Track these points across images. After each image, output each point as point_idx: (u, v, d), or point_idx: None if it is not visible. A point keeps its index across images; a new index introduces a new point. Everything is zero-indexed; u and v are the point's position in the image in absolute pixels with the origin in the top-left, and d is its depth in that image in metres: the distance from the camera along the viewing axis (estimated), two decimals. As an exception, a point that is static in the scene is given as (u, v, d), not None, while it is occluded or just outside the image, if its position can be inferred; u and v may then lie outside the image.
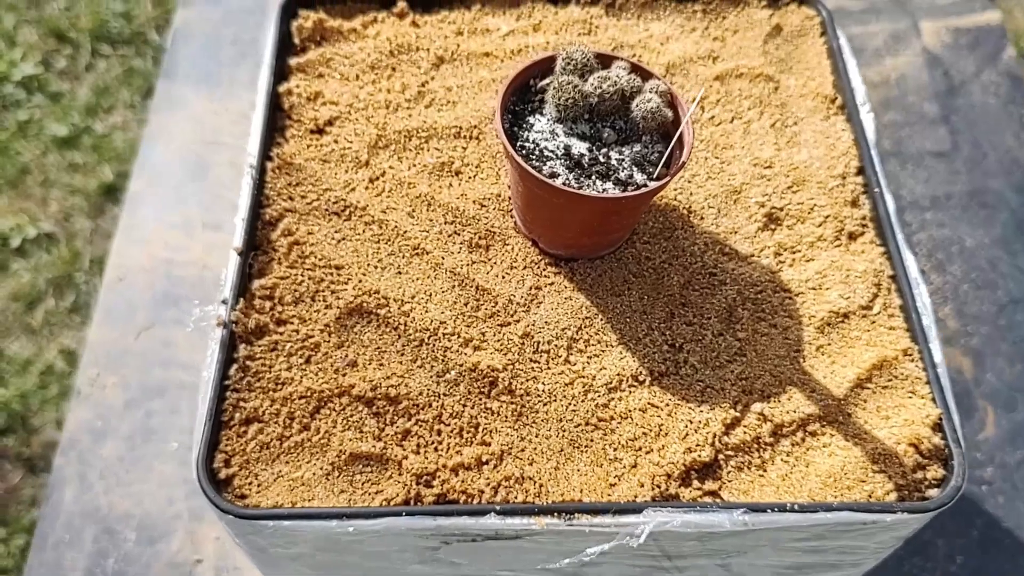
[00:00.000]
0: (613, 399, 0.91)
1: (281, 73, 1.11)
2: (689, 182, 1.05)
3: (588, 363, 0.92)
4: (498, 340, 0.93)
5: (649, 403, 0.91)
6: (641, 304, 0.97)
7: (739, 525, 0.83)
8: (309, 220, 1.00)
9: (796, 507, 0.82)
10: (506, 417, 0.89)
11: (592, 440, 0.89)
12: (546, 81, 0.94)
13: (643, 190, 0.87)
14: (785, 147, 1.09)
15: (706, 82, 1.14)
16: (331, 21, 1.16)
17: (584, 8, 1.20)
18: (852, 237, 1.03)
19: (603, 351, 0.93)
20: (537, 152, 0.90)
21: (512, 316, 0.95)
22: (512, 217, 1.01)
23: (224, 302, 0.93)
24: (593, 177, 0.89)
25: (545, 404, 0.90)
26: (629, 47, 1.16)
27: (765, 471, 0.89)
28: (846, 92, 1.13)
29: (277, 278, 0.96)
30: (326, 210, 1.01)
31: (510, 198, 1.02)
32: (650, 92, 0.92)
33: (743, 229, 1.03)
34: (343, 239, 0.99)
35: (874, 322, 0.97)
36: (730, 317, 0.97)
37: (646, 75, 0.95)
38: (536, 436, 0.89)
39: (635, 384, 0.92)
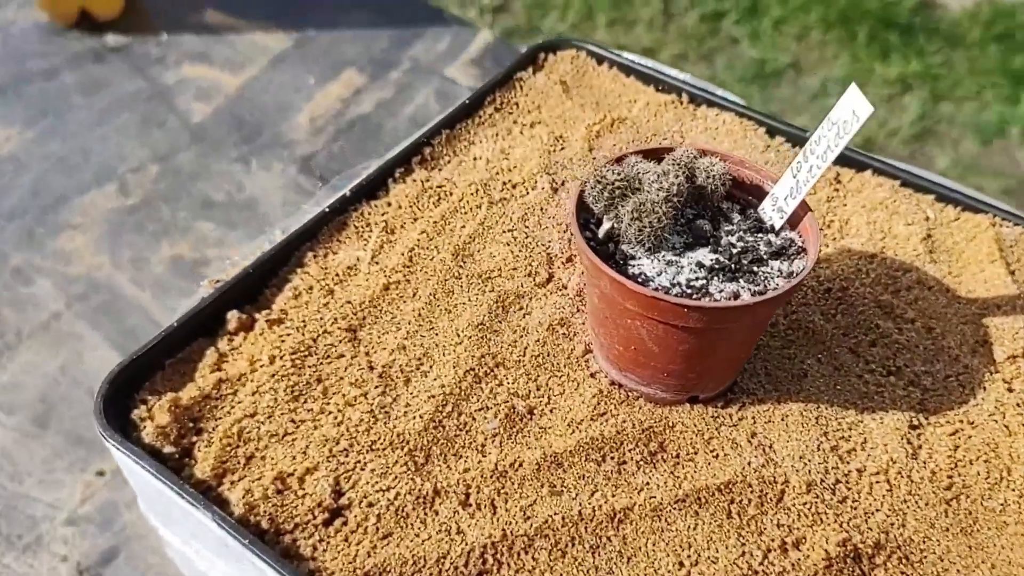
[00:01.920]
0: (926, 461, 0.75)
1: (204, 491, 0.71)
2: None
3: (869, 454, 0.75)
4: (800, 516, 0.71)
5: (948, 434, 0.76)
6: (825, 364, 0.81)
7: None
8: (472, 606, 0.66)
9: None
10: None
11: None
12: (608, 225, 0.72)
13: (815, 238, 0.72)
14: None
15: (586, 143, 1.00)
16: (183, 393, 0.78)
17: (404, 192, 0.97)
18: (839, 181, 0.98)
19: (862, 432, 0.76)
20: (688, 291, 0.69)
21: (775, 483, 0.73)
22: (637, 399, 0.78)
23: None
24: (754, 268, 0.71)
25: (904, 525, 0.71)
26: (486, 183, 0.97)
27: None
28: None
29: None
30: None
31: (619, 385, 0.78)
32: (703, 158, 0.76)
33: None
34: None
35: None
36: (883, 309, 0.85)
37: (661, 152, 0.78)
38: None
39: (919, 430, 0.77)
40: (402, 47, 2.22)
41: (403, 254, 0.89)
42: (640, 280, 0.69)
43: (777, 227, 0.75)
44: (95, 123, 1.99)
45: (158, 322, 1.63)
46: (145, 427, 0.75)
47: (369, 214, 0.94)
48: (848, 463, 0.74)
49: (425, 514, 0.71)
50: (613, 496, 0.71)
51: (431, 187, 0.96)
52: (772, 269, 0.71)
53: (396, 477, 0.72)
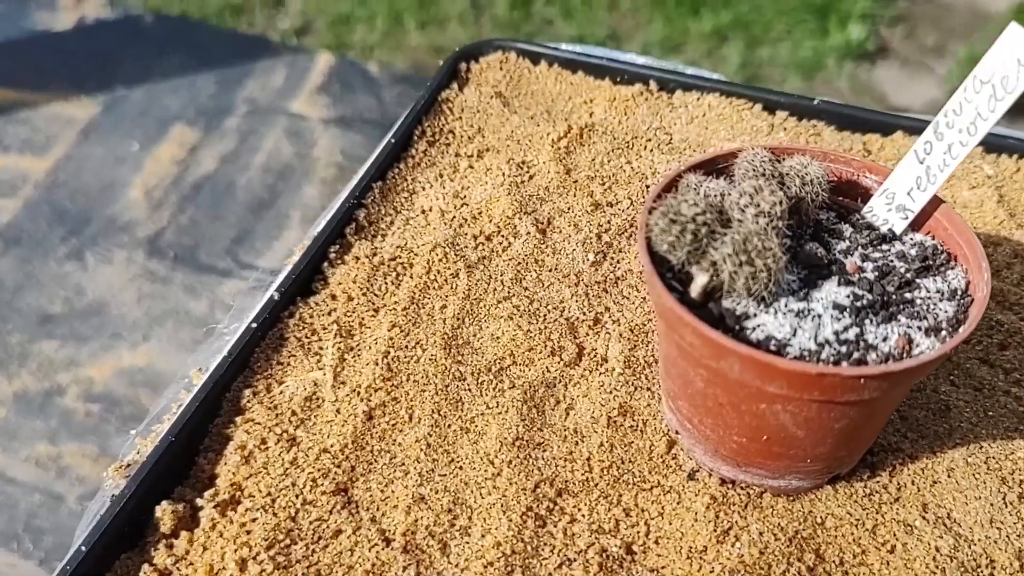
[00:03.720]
0: None
1: None
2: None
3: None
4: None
5: None
6: (963, 387, 0.63)
7: None
8: None
9: None
10: None
11: None
12: (704, 279, 0.51)
13: (969, 236, 0.54)
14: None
15: (559, 164, 0.78)
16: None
17: (350, 276, 0.73)
18: (868, 151, 0.81)
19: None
20: (841, 348, 0.49)
21: (977, 567, 0.54)
22: (760, 494, 0.57)
23: None
24: (906, 295, 0.52)
25: None
26: (453, 242, 0.74)
27: None
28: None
29: None
30: None
31: (732, 482, 0.58)
32: (788, 160, 0.56)
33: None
34: None
35: None
36: (996, 299, 0.68)
37: (719, 161, 0.58)
38: None
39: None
40: (233, 88, 1.93)
41: (376, 363, 0.65)
42: (773, 347, 0.49)
43: (898, 231, 0.56)
44: None
45: (15, 480, 1.30)
46: None
47: (311, 317, 0.69)
48: (1044, 513, 0.57)
49: None
50: (794, 650, 0.50)
51: (382, 262, 0.72)
52: (929, 292, 0.52)
53: None
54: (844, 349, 0.49)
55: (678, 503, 0.57)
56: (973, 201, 0.75)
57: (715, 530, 0.55)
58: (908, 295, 0.52)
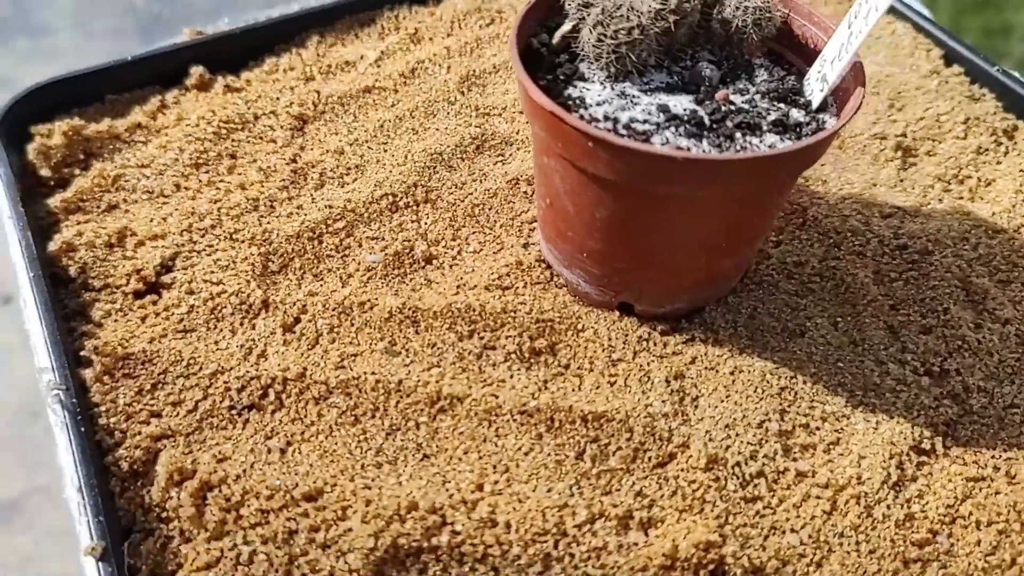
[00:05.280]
0: (911, 499, 0.49)
1: (41, 228, 0.61)
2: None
3: (832, 460, 0.50)
4: (676, 493, 0.48)
5: (967, 478, 0.49)
6: (841, 332, 0.56)
7: None
8: (208, 439, 0.51)
9: None
10: (784, 628, 0.44)
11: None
12: (567, 27, 0.53)
13: (836, 124, 0.48)
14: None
15: None
16: (93, 125, 0.68)
17: (457, 5, 0.81)
18: (1009, 135, 0.70)
19: (840, 429, 0.51)
20: (623, 133, 0.48)
21: (668, 442, 0.50)
22: (560, 286, 0.58)
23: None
24: (738, 135, 0.49)
25: (820, 566, 0.46)
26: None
27: None
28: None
29: (200, 570, 0.45)
30: (232, 408, 0.52)
31: (547, 265, 0.59)
32: (740, -15, 0.53)
33: (882, 176, 0.66)
34: (290, 444, 0.50)
35: None
36: (970, 295, 0.58)
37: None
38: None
39: (924, 457, 0.51)
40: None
41: (408, 63, 0.74)
42: (572, 105, 0.50)
43: (816, 103, 0.51)
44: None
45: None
46: (36, 145, 0.66)
47: (404, 18, 0.80)
48: (794, 459, 0.50)
49: (240, 324, 0.56)
50: (452, 379, 0.53)
51: (488, 8, 0.80)
52: (762, 143, 0.48)
53: (235, 274, 0.59)
54: (624, 134, 0.48)
55: (495, 253, 0.60)
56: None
57: (495, 280, 0.58)
58: (738, 134, 0.48)
